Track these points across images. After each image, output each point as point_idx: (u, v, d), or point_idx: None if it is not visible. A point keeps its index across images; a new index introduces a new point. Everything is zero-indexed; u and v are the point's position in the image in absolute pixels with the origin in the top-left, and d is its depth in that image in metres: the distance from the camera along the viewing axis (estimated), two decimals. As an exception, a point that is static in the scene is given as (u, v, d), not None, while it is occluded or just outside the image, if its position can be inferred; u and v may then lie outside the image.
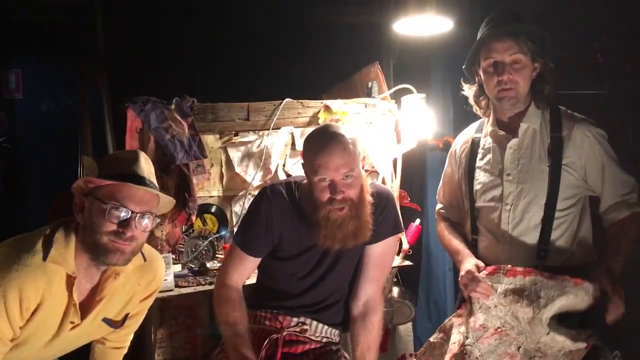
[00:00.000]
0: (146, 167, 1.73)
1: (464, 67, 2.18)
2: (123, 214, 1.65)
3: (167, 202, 1.80)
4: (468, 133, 2.29)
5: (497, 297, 1.99)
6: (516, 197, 2.05)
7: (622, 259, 1.99)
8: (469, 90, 2.20)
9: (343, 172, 1.88)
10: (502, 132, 2.12)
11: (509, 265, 2.02)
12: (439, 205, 2.42)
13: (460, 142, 2.30)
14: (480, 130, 2.23)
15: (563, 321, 1.94)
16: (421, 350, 2.18)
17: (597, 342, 1.92)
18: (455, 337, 2.04)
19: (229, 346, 1.95)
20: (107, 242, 1.64)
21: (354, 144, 1.92)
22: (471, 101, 2.20)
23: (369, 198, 1.98)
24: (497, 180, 2.11)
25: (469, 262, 2.08)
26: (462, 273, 2.07)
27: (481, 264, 2.08)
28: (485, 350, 1.99)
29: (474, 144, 2.21)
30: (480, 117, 2.25)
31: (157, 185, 1.75)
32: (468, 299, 2.07)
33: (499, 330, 2.00)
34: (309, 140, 1.99)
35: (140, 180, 1.68)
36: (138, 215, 1.66)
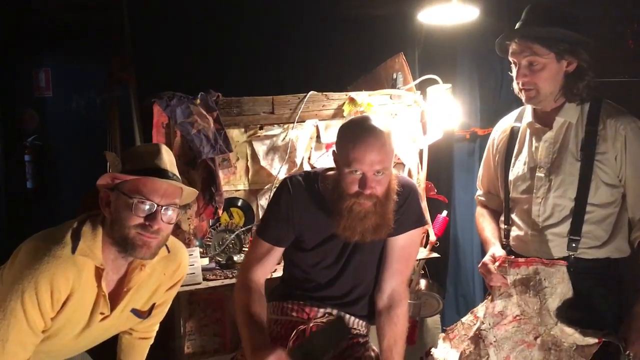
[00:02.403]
0: (168, 159, 1.75)
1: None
2: (148, 207, 1.67)
3: (190, 192, 1.82)
4: (508, 121, 2.25)
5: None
6: (547, 190, 2.03)
7: None
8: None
9: (376, 168, 1.85)
10: (538, 125, 2.09)
11: (512, 257, 2.04)
12: (478, 192, 2.41)
13: (499, 130, 2.27)
14: (520, 119, 2.18)
15: (574, 314, 1.92)
16: (451, 327, 2.18)
17: (609, 339, 1.88)
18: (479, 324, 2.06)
19: (244, 333, 1.89)
20: (134, 235, 1.67)
21: (390, 140, 1.89)
22: (515, 88, 2.10)
23: (394, 196, 1.95)
24: (529, 172, 2.08)
25: (488, 253, 2.10)
26: (479, 264, 2.10)
27: (499, 253, 2.07)
28: (501, 337, 2.00)
29: (513, 133, 2.19)
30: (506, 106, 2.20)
31: (179, 177, 1.77)
32: (489, 287, 2.08)
33: (517, 318, 2.01)
34: (347, 130, 1.94)
35: (164, 174, 1.70)
36: (163, 207, 1.69)
